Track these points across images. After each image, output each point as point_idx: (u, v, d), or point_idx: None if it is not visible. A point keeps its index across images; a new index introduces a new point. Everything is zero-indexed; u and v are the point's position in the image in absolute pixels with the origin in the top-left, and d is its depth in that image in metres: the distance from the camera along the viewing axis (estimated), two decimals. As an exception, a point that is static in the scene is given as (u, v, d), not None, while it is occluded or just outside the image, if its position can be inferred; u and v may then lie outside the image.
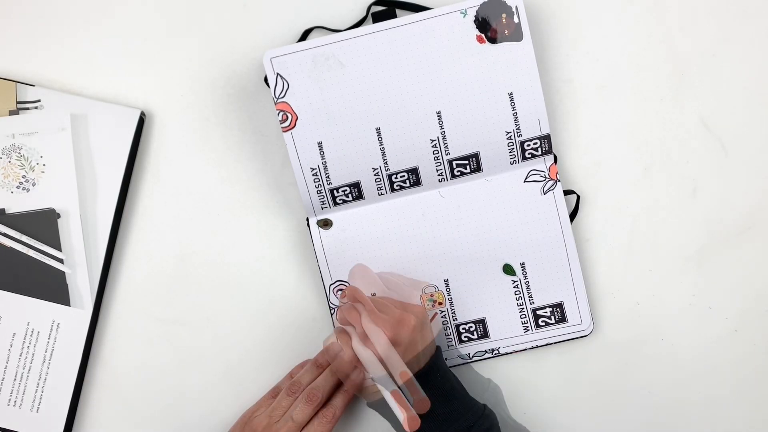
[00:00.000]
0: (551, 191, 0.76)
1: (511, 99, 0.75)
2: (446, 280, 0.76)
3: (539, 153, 0.76)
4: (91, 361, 0.78)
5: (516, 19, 0.74)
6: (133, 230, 0.79)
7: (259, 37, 0.79)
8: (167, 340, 0.78)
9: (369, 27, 0.75)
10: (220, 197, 0.79)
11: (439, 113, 0.75)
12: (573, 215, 0.78)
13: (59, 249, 0.77)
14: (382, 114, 0.75)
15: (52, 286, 0.76)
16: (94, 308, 0.77)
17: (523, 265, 0.76)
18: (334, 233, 0.77)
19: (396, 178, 0.76)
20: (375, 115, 0.75)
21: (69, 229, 0.77)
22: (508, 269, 0.77)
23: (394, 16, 0.77)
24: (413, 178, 0.76)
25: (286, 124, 0.75)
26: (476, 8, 0.74)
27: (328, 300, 0.76)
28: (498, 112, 0.75)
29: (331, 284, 0.76)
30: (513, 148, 0.76)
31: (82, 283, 0.77)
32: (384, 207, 0.77)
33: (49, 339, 0.76)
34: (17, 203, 0.77)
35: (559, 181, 0.76)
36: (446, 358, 0.77)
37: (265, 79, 0.76)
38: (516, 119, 0.75)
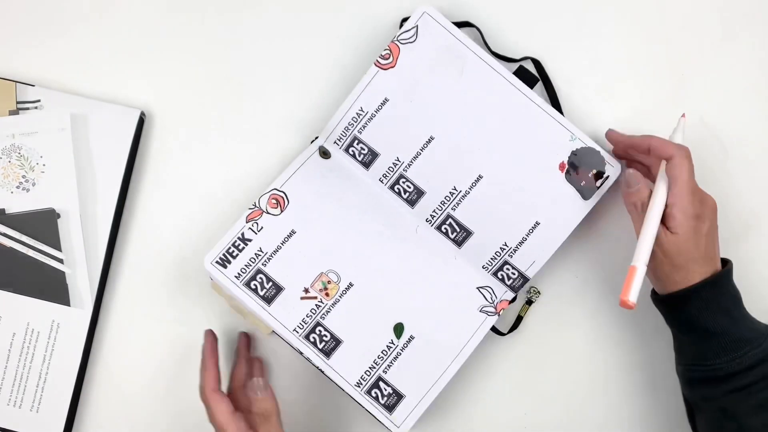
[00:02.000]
0: (486, 316, 0.75)
1: (534, 227, 0.75)
2: (350, 284, 0.74)
3: (509, 283, 0.76)
4: (91, 361, 0.78)
5: (598, 184, 0.75)
6: (133, 230, 0.79)
7: (259, 36, 0.80)
8: (167, 340, 0.78)
9: (505, 69, 0.75)
10: (219, 197, 0.79)
11: (480, 177, 0.76)
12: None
13: (59, 249, 0.77)
14: (446, 133, 0.76)
15: (52, 286, 0.76)
16: (94, 308, 0.77)
17: (411, 338, 0.74)
18: (324, 165, 0.75)
19: (403, 183, 0.76)
20: (441, 127, 0.76)
21: (69, 229, 0.77)
22: (398, 328, 0.74)
23: (533, 84, 0.77)
24: (413, 197, 0.76)
25: (387, 62, 0.75)
26: (582, 146, 0.75)
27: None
28: (515, 224, 0.75)
29: (268, 192, 0.74)
30: (495, 259, 0.76)
31: (82, 283, 0.77)
32: (371, 190, 0.76)
33: (49, 339, 0.76)
34: (17, 203, 0.77)
35: (498, 315, 0.75)
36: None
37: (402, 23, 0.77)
38: (521, 243, 0.75)
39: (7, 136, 0.77)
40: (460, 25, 0.77)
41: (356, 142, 0.76)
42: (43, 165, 0.77)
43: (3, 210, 0.77)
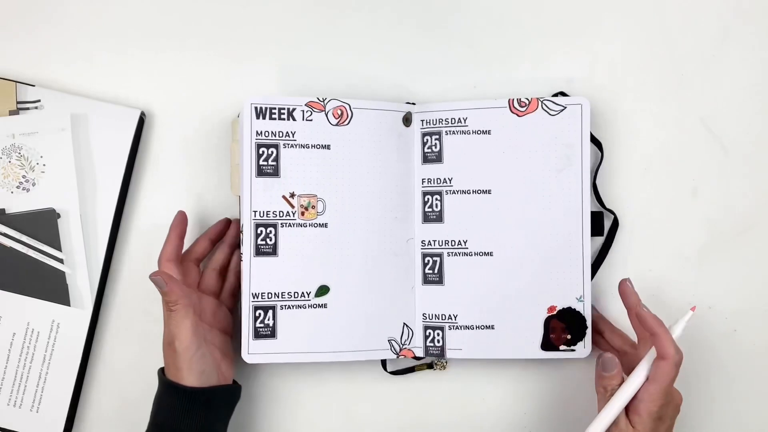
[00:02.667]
0: (389, 347, 0.75)
1: (487, 327, 0.75)
2: (325, 224, 0.74)
3: (428, 344, 0.76)
4: (91, 361, 0.78)
5: (561, 348, 0.75)
6: (133, 230, 0.79)
7: (259, 36, 0.80)
8: (167, 340, 0.78)
9: (589, 202, 0.75)
10: (219, 196, 0.79)
11: (490, 253, 0.75)
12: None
13: (59, 249, 0.77)
14: (502, 199, 0.75)
15: (52, 286, 0.76)
16: (94, 308, 0.77)
17: (323, 305, 0.74)
18: (397, 127, 0.76)
19: (435, 199, 0.76)
20: (504, 193, 0.76)
21: (69, 229, 0.77)
22: (321, 289, 0.74)
23: (596, 234, 0.77)
24: (431, 216, 0.76)
25: (521, 109, 0.76)
26: (580, 312, 0.75)
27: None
28: (478, 311, 0.75)
29: (343, 102, 0.74)
30: (436, 319, 0.76)
31: (82, 283, 0.77)
32: (410, 179, 0.76)
33: (49, 339, 0.76)
34: (17, 203, 0.77)
35: (397, 357, 0.76)
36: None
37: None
38: (466, 328, 0.76)
39: (8, 136, 0.77)
40: (593, 138, 0.77)
41: (435, 137, 0.76)
42: (44, 165, 0.77)
43: (3, 210, 0.77)
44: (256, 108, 0.73)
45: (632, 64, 0.80)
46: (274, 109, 0.73)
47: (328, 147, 0.74)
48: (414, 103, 0.77)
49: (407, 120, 0.76)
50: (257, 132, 0.73)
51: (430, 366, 0.78)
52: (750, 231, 0.79)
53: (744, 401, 0.79)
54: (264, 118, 0.73)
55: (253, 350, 0.73)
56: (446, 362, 0.78)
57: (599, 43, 0.80)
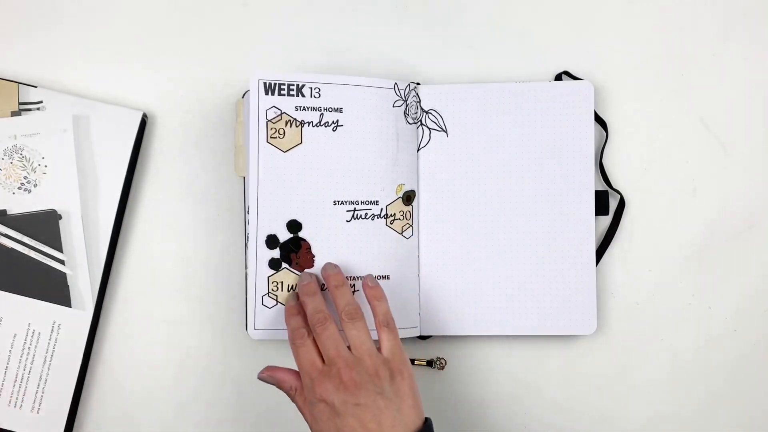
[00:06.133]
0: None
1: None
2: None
3: None
4: (91, 362, 0.78)
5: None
6: (135, 231, 0.79)
7: (260, 37, 0.80)
8: (167, 341, 0.78)
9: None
10: (220, 198, 0.79)
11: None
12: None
13: (60, 250, 0.76)
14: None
15: (53, 288, 0.76)
16: (95, 309, 0.77)
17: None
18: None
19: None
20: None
21: (70, 231, 0.77)
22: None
23: (601, 213, 0.78)
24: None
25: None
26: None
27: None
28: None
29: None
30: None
31: (83, 285, 0.76)
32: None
33: (49, 340, 0.76)
34: (19, 204, 0.77)
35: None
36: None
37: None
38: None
39: (9, 137, 0.77)
40: (598, 118, 0.78)
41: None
42: (45, 166, 0.77)
43: (5, 211, 0.76)
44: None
45: (632, 64, 0.80)
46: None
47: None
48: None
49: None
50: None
51: (429, 363, 0.78)
52: (750, 231, 0.79)
53: (744, 401, 0.79)
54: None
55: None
56: (445, 362, 0.78)
57: (599, 43, 0.80)
